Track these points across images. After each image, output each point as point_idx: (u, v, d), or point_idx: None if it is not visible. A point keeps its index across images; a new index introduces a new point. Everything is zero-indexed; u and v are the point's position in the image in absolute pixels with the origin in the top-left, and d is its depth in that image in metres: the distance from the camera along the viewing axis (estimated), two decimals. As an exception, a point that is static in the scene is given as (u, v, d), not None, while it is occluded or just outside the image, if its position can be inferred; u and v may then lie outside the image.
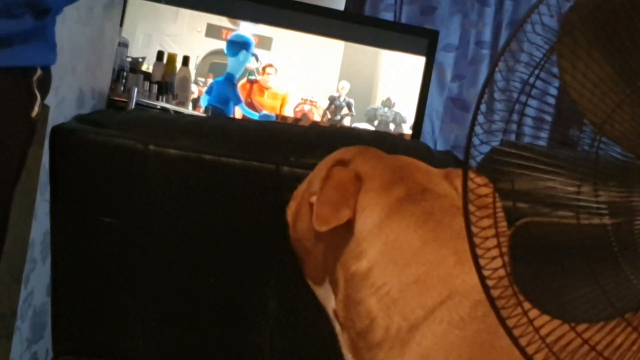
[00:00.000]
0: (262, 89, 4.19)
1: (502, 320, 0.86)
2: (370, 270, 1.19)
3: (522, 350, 0.86)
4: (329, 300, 1.27)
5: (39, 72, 1.51)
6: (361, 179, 1.24)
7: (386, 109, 4.22)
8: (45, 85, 1.55)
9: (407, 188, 1.25)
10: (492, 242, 0.87)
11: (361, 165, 1.26)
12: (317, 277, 1.29)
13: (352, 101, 4.22)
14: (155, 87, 3.78)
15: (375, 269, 1.19)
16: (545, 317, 0.85)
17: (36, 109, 1.50)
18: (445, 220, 1.21)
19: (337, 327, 1.27)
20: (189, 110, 3.91)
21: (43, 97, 1.53)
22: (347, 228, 1.21)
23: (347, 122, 4.23)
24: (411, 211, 1.22)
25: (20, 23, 1.41)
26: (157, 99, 3.75)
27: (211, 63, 4.25)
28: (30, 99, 1.50)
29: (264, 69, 4.20)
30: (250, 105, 4.18)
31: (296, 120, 4.14)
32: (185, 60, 3.95)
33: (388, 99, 4.23)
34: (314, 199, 1.24)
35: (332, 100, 4.21)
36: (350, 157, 1.29)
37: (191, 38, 4.20)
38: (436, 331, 1.13)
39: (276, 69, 4.20)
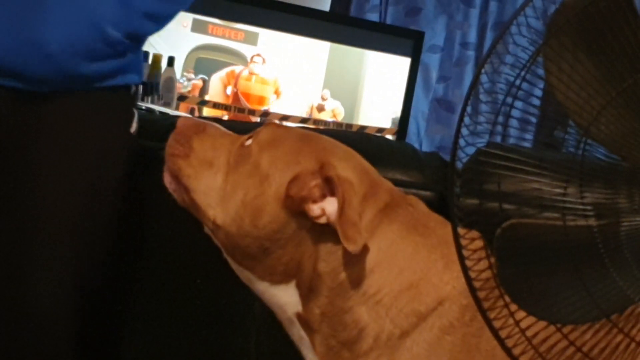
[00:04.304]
0: (250, 74, 4.18)
1: (488, 322, 0.86)
2: (364, 278, 1.15)
3: (508, 351, 0.86)
4: (291, 303, 1.21)
5: (134, 88, 1.64)
6: (352, 186, 1.17)
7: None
8: (136, 101, 1.68)
9: (389, 191, 1.22)
10: (479, 243, 0.87)
11: (344, 171, 1.18)
12: (276, 279, 1.20)
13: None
14: (140, 88, 3.76)
15: (369, 276, 1.15)
16: (532, 319, 0.85)
17: (134, 125, 1.62)
18: (430, 224, 1.20)
19: (299, 332, 1.22)
20: (174, 110, 3.90)
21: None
22: (335, 234, 1.14)
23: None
24: (401, 216, 1.19)
25: (124, 58, 1.58)
26: (143, 100, 3.74)
27: (197, 58, 4.24)
28: (130, 115, 1.63)
29: (251, 58, 4.19)
30: (235, 95, 4.17)
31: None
32: (171, 60, 3.94)
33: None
34: (316, 208, 1.15)
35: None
36: (325, 159, 1.19)
37: (177, 33, 4.19)
38: (427, 337, 1.13)
39: (264, 59, 4.19)
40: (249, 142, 1.23)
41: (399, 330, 1.14)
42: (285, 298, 1.21)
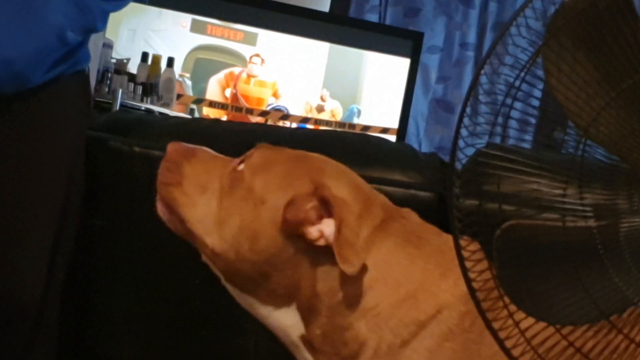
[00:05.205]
0: (249, 76, 4.18)
1: (487, 323, 0.86)
2: (362, 294, 1.15)
3: (507, 352, 0.86)
4: (294, 326, 1.20)
5: (88, 70, 1.72)
6: (346, 205, 1.16)
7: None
8: (89, 79, 1.77)
9: (382, 206, 1.21)
10: (477, 245, 0.87)
11: (338, 190, 1.17)
12: (278, 302, 1.19)
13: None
14: (139, 89, 3.76)
15: (367, 292, 1.15)
16: (531, 320, 0.85)
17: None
18: (424, 235, 1.20)
19: (305, 355, 1.21)
20: (173, 111, 3.90)
21: None
22: (332, 254, 1.13)
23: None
24: (395, 230, 1.19)
25: (76, 54, 1.64)
26: (142, 101, 3.74)
27: (196, 59, 4.24)
28: (89, 96, 1.74)
29: (250, 58, 4.19)
30: (234, 96, 4.17)
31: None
32: (170, 61, 3.94)
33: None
34: (314, 231, 1.14)
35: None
36: (319, 180, 1.18)
37: (176, 33, 4.19)
38: (427, 345, 1.12)
39: (262, 60, 4.19)
40: (241, 166, 1.22)
41: (399, 339, 1.14)
42: (288, 321, 1.20)
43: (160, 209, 1.25)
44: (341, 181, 1.20)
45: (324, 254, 1.15)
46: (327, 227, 1.14)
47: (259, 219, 1.17)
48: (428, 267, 1.16)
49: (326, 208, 1.15)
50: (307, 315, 1.18)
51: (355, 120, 4.25)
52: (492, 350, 0.92)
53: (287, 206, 1.16)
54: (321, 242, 1.15)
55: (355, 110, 4.25)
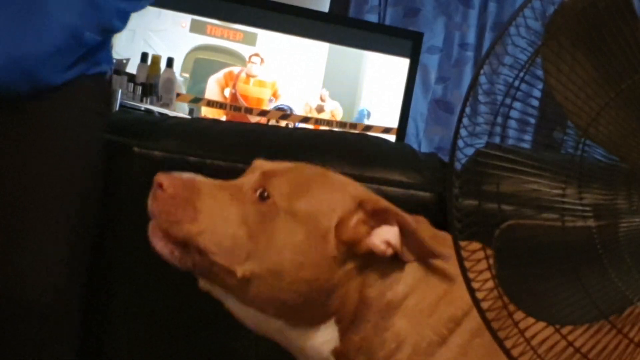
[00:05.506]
0: (248, 76, 4.18)
1: (487, 323, 0.86)
2: (408, 294, 1.17)
3: (507, 352, 0.86)
4: (329, 341, 1.18)
5: (109, 73, 1.70)
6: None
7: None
8: (111, 87, 1.76)
9: (403, 213, 1.22)
10: (476, 245, 0.87)
11: (376, 198, 1.19)
12: (316, 321, 1.18)
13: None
14: (139, 89, 3.76)
15: (412, 290, 1.17)
16: (531, 320, 0.85)
17: (116, 105, 1.74)
18: (443, 236, 1.20)
19: None
20: (173, 111, 3.90)
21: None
22: (378, 259, 1.15)
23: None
24: (426, 230, 1.20)
25: (95, 55, 1.63)
26: (142, 101, 3.74)
27: (196, 59, 4.24)
28: (110, 96, 1.74)
29: (249, 58, 4.19)
30: (234, 96, 4.17)
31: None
32: (170, 61, 3.94)
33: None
34: (380, 244, 1.15)
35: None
36: (357, 194, 1.19)
37: (176, 34, 4.18)
38: (460, 342, 1.14)
39: (262, 59, 4.19)
40: (257, 193, 1.18)
41: (438, 337, 1.15)
42: (323, 337, 1.19)
43: (167, 249, 1.19)
44: (366, 191, 1.22)
45: (372, 260, 1.16)
46: (388, 236, 1.15)
47: (308, 245, 1.15)
48: (456, 264, 1.17)
49: (376, 219, 1.16)
50: (349, 325, 1.18)
51: (365, 122, 4.26)
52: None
53: (337, 227, 1.15)
54: (389, 252, 1.15)
55: (366, 112, 4.25)
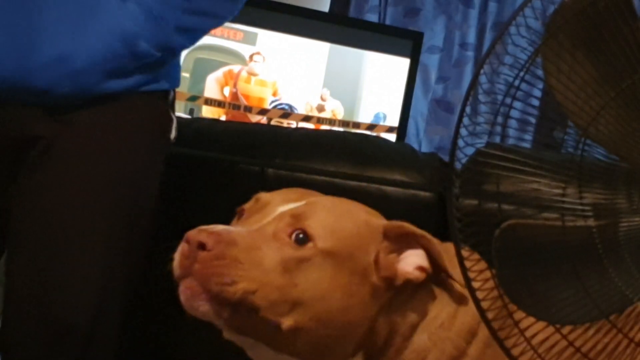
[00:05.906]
0: (249, 75, 4.18)
1: (487, 323, 0.86)
2: (428, 310, 1.15)
3: (507, 352, 0.86)
4: None
5: (172, 94, 1.59)
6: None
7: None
8: (174, 107, 1.61)
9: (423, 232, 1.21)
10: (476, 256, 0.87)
11: (398, 224, 1.15)
12: (347, 355, 1.14)
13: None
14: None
15: (433, 306, 1.15)
16: (531, 319, 0.86)
17: (173, 131, 1.57)
18: (449, 247, 1.20)
19: None
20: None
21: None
22: (411, 288, 1.14)
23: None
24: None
25: (154, 71, 1.52)
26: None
27: (196, 58, 4.23)
28: (169, 121, 1.58)
29: (251, 56, 4.19)
30: (234, 95, 4.16)
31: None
32: (169, 62, 3.94)
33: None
34: (414, 272, 1.12)
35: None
36: (378, 222, 1.16)
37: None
38: (475, 354, 1.13)
39: (264, 57, 4.18)
40: (294, 236, 1.11)
41: (458, 351, 1.13)
42: None
43: (212, 310, 1.08)
44: (378, 214, 1.19)
45: (402, 286, 1.14)
46: (417, 260, 1.14)
47: (353, 286, 1.11)
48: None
49: (398, 244, 1.14)
50: (376, 353, 1.15)
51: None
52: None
53: (375, 263, 1.13)
54: (422, 277, 1.13)
55: (382, 115, 4.24)
